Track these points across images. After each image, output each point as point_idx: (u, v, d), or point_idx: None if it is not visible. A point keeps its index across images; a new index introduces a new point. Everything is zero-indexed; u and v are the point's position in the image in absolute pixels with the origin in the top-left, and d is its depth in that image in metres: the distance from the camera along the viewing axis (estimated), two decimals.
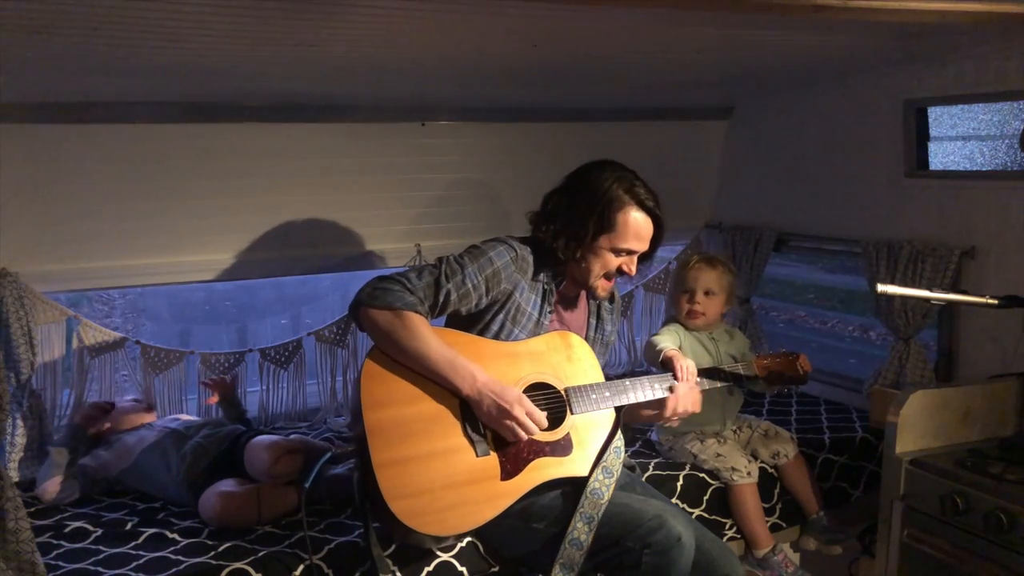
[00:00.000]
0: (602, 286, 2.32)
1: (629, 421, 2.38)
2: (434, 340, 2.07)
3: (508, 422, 2.07)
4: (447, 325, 2.28)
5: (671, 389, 2.30)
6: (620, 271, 2.30)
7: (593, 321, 2.46)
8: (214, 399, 2.96)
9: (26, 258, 2.71)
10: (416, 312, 2.06)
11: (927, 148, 3.07)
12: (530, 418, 2.09)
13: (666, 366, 2.38)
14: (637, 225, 2.23)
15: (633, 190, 2.23)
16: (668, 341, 2.60)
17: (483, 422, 2.11)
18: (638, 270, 2.34)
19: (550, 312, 2.32)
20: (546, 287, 2.30)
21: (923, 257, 2.95)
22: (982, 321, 2.88)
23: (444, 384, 2.08)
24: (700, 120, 3.85)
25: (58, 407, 2.86)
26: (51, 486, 2.54)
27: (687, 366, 2.36)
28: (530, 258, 2.27)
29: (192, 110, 2.87)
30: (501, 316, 2.23)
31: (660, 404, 2.29)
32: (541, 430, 2.13)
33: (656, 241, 2.32)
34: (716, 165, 3.96)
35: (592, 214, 2.21)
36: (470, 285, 2.14)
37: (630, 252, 2.27)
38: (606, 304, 2.48)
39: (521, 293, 2.25)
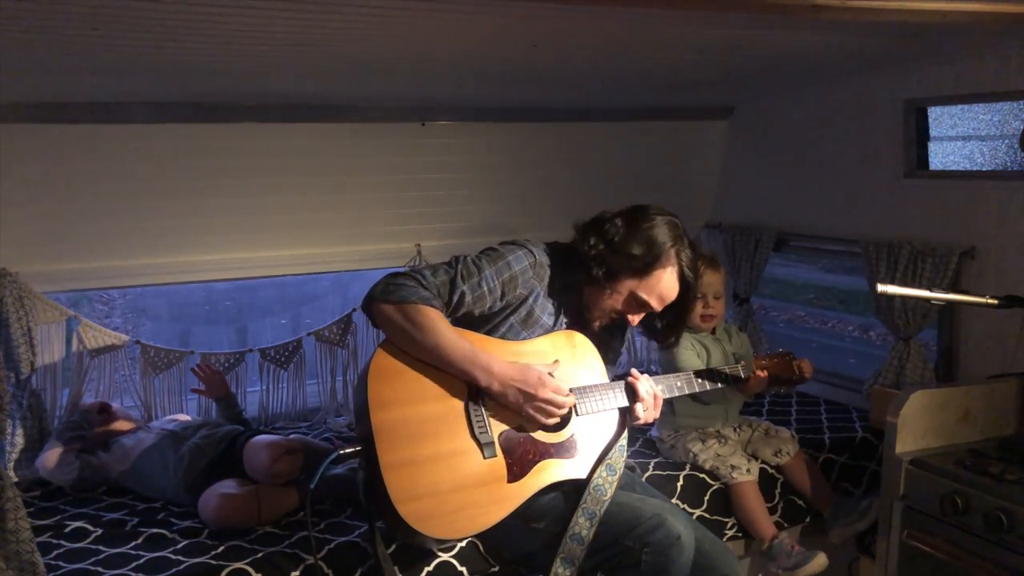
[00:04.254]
0: (599, 317, 2.28)
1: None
2: (451, 333, 2.06)
3: (537, 404, 2.07)
4: (454, 324, 2.26)
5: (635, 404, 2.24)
6: (621, 315, 2.26)
7: (605, 337, 2.40)
8: (202, 389, 2.95)
9: (26, 258, 2.71)
10: (431, 306, 2.05)
11: (927, 148, 3.08)
12: (556, 394, 2.09)
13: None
14: (666, 288, 2.21)
15: (681, 254, 2.22)
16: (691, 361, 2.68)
17: (511, 410, 2.10)
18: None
19: (565, 324, 2.30)
20: (562, 298, 2.27)
21: (923, 257, 2.95)
22: (982, 321, 2.88)
23: (462, 377, 2.07)
24: (700, 120, 3.85)
25: (58, 407, 2.86)
26: (51, 456, 2.55)
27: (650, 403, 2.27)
28: (548, 265, 2.24)
29: (192, 110, 2.87)
30: (512, 319, 2.22)
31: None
32: (557, 421, 2.14)
33: (674, 306, 2.28)
34: (716, 165, 3.96)
35: (637, 256, 2.17)
36: (486, 288, 2.12)
37: (644, 307, 2.23)
38: (617, 330, 2.41)
39: (536, 300, 2.23)
